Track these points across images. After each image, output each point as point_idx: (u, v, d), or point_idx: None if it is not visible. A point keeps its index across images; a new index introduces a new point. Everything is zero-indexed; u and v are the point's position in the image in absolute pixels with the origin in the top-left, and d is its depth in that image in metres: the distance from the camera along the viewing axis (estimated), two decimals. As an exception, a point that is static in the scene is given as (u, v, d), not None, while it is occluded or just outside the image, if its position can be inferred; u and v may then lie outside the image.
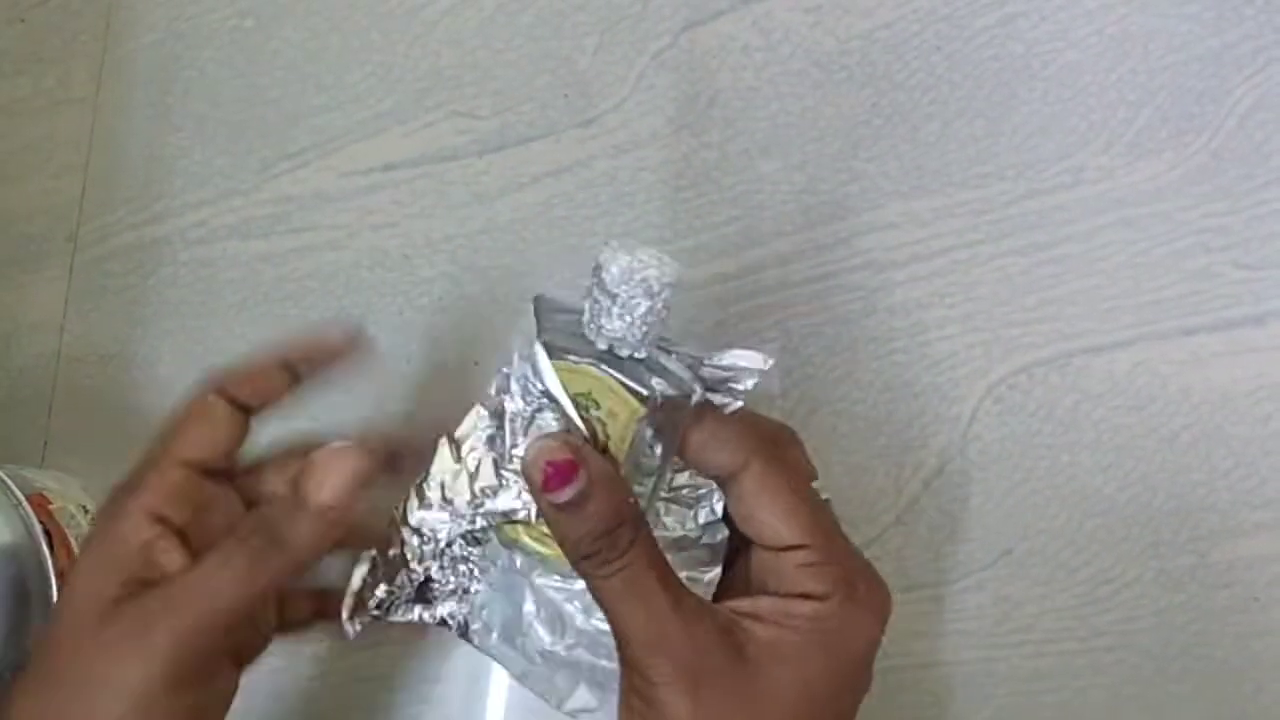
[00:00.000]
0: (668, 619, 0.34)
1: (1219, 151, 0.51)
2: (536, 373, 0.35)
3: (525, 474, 0.35)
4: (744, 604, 0.36)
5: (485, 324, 0.55)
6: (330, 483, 0.37)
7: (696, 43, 0.56)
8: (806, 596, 0.35)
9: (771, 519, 0.36)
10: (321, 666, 0.53)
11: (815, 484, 0.39)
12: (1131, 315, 0.50)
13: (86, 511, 0.53)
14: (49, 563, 0.48)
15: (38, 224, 0.60)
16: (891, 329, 0.52)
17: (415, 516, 0.39)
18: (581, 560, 0.34)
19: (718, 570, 0.38)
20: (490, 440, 0.38)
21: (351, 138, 0.58)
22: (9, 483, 0.49)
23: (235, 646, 0.40)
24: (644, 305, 0.34)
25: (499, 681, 0.53)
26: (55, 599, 0.48)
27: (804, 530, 0.36)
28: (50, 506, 0.51)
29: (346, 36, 0.59)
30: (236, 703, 0.40)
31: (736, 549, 0.39)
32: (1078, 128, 0.52)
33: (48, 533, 0.49)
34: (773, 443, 0.38)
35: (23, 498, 0.49)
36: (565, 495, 0.34)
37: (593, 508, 0.34)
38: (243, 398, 0.40)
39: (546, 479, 0.34)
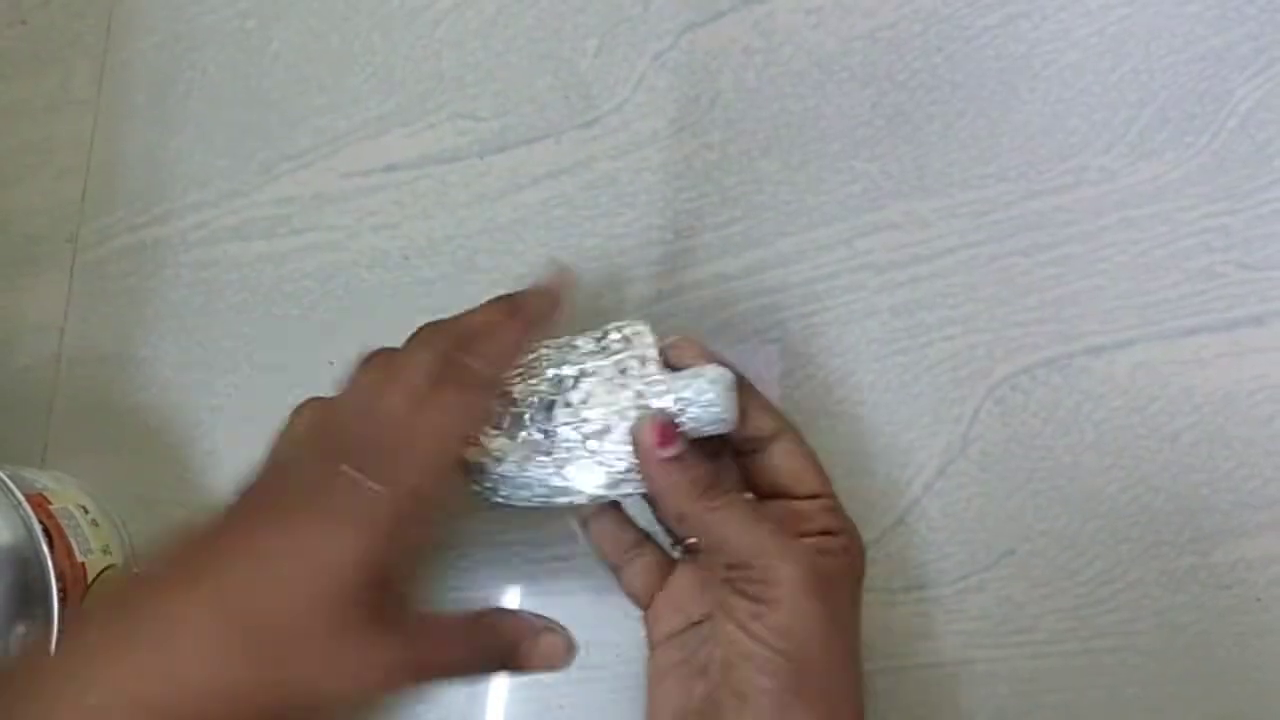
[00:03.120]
0: (785, 535, 0.42)
1: (1221, 152, 0.51)
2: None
3: (635, 437, 0.43)
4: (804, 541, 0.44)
5: (486, 325, 0.55)
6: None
7: (697, 44, 0.56)
8: (831, 533, 0.44)
9: (805, 474, 0.45)
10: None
11: None
12: (1133, 316, 0.50)
13: (86, 512, 0.53)
14: (49, 563, 0.48)
15: (39, 225, 0.60)
16: (893, 330, 0.52)
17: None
18: (700, 497, 0.42)
19: None
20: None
21: (352, 139, 0.58)
22: (9, 483, 0.49)
23: None
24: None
25: (499, 681, 0.52)
26: (55, 599, 0.48)
27: (824, 483, 0.45)
28: (50, 506, 0.51)
29: (347, 38, 0.59)
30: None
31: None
32: (1079, 128, 0.52)
33: (48, 533, 0.49)
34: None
35: (23, 498, 0.49)
36: (673, 450, 0.42)
37: (695, 460, 0.42)
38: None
39: (659, 438, 0.42)
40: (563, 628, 0.42)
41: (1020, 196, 0.52)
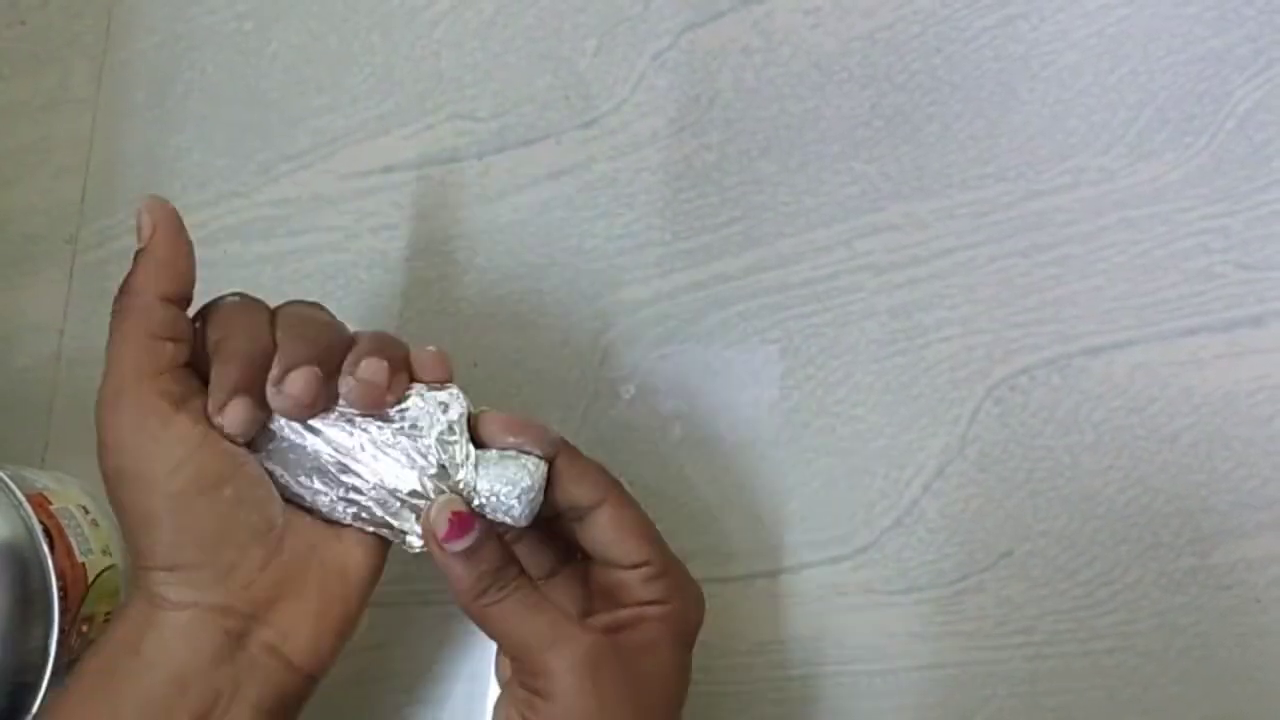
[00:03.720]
0: (564, 623, 0.41)
1: (1219, 152, 0.51)
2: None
3: (426, 526, 0.41)
4: (606, 617, 0.43)
5: (485, 326, 0.55)
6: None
7: (697, 44, 0.56)
8: (655, 603, 0.43)
9: (625, 543, 0.43)
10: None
11: None
12: (1132, 316, 0.50)
13: (87, 512, 0.53)
14: (49, 563, 0.48)
15: (38, 225, 0.60)
16: (891, 330, 0.52)
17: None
18: (478, 596, 0.41)
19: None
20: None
21: (351, 139, 0.58)
22: (9, 483, 0.49)
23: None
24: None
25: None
26: (55, 599, 0.48)
27: (647, 549, 0.43)
28: (50, 506, 0.51)
29: (346, 38, 0.59)
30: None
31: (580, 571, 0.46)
32: (1078, 129, 0.52)
33: (48, 533, 0.49)
34: (618, 483, 0.45)
35: (23, 498, 0.49)
36: (464, 544, 0.41)
37: (485, 552, 0.41)
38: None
39: (450, 530, 0.41)
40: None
41: (1019, 197, 0.52)
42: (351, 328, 0.44)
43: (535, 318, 0.54)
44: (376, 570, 0.44)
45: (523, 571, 0.42)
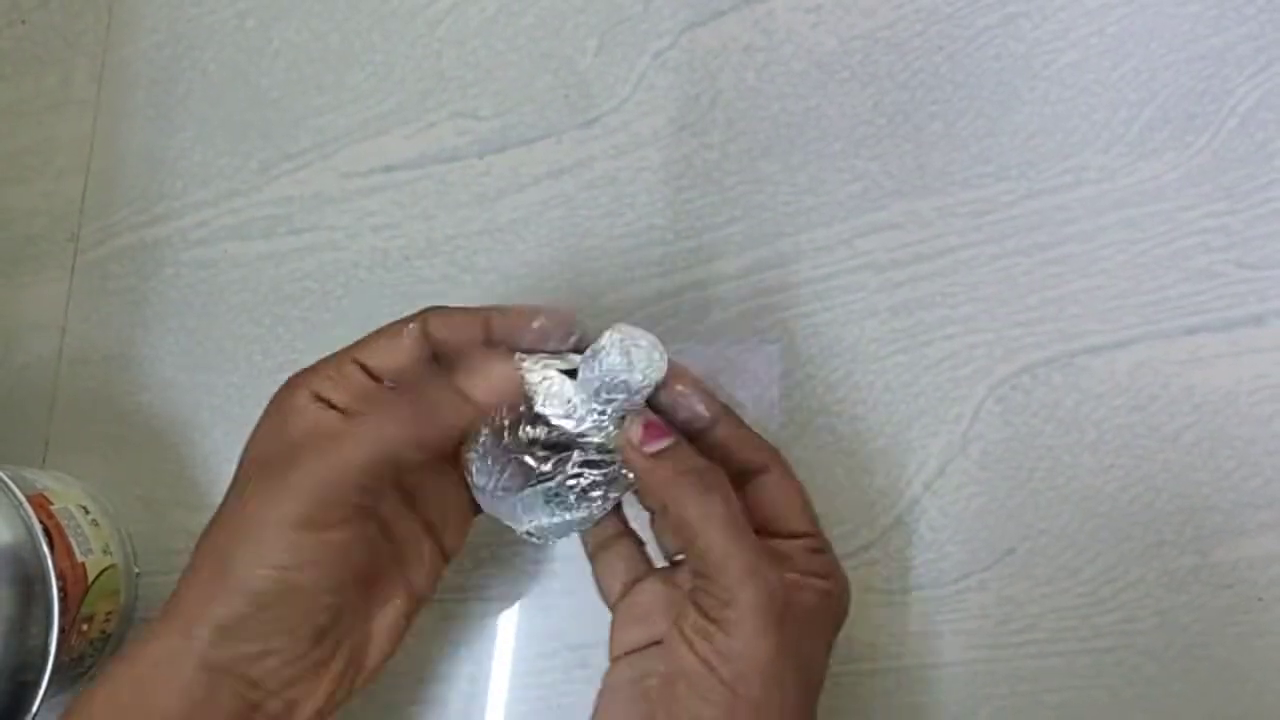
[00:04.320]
0: (761, 555, 0.40)
1: (1220, 151, 0.51)
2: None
3: (623, 436, 0.41)
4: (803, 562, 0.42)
5: (486, 324, 0.55)
6: (486, 387, 0.41)
7: (698, 43, 0.56)
8: (818, 575, 0.42)
9: (792, 512, 0.43)
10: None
11: None
12: (1133, 315, 0.50)
13: (87, 512, 0.53)
14: (49, 563, 0.48)
15: (39, 225, 0.60)
16: (893, 329, 0.52)
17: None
18: (687, 490, 0.40)
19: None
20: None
21: (352, 139, 0.58)
22: (9, 483, 0.49)
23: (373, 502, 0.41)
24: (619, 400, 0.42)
25: (499, 681, 0.53)
26: (55, 599, 0.48)
27: (810, 521, 0.44)
28: (50, 506, 0.51)
29: (348, 37, 0.59)
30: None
31: None
32: (1079, 127, 0.52)
33: (48, 533, 0.49)
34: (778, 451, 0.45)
35: (23, 498, 0.49)
36: (658, 445, 0.41)
37: (683, 451, 0.41)
38: (439, 339, 0.42)
39: (644, 434, 0.41)
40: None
41: (1020, 196, 0.52)
42: (352, 327, 0.44)
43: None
44: (389, 655, 0.44)
45: (730, 482, 0.41)
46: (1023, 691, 0.49)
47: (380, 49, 0.58)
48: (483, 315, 0.42)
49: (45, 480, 0.53)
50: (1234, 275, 0.50)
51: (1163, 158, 0.51)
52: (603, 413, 0.42)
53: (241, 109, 0.59)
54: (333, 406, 0.41)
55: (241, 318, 0.57)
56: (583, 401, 0.42)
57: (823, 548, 0.43)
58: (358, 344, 0.43)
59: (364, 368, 0.42)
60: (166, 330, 0.58)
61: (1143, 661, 0.49)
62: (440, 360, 0.43)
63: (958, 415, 0.51)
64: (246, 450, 0.42)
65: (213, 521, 0.41)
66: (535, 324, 0.42)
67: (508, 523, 0.44)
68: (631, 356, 0.41)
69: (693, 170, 0.55)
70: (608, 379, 0.41)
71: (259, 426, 0.42)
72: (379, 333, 0.43)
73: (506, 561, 0.53)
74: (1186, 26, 0.52)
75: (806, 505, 0.44)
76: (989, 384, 0.51)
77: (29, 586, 0.48)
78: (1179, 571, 0.49)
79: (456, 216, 0.56)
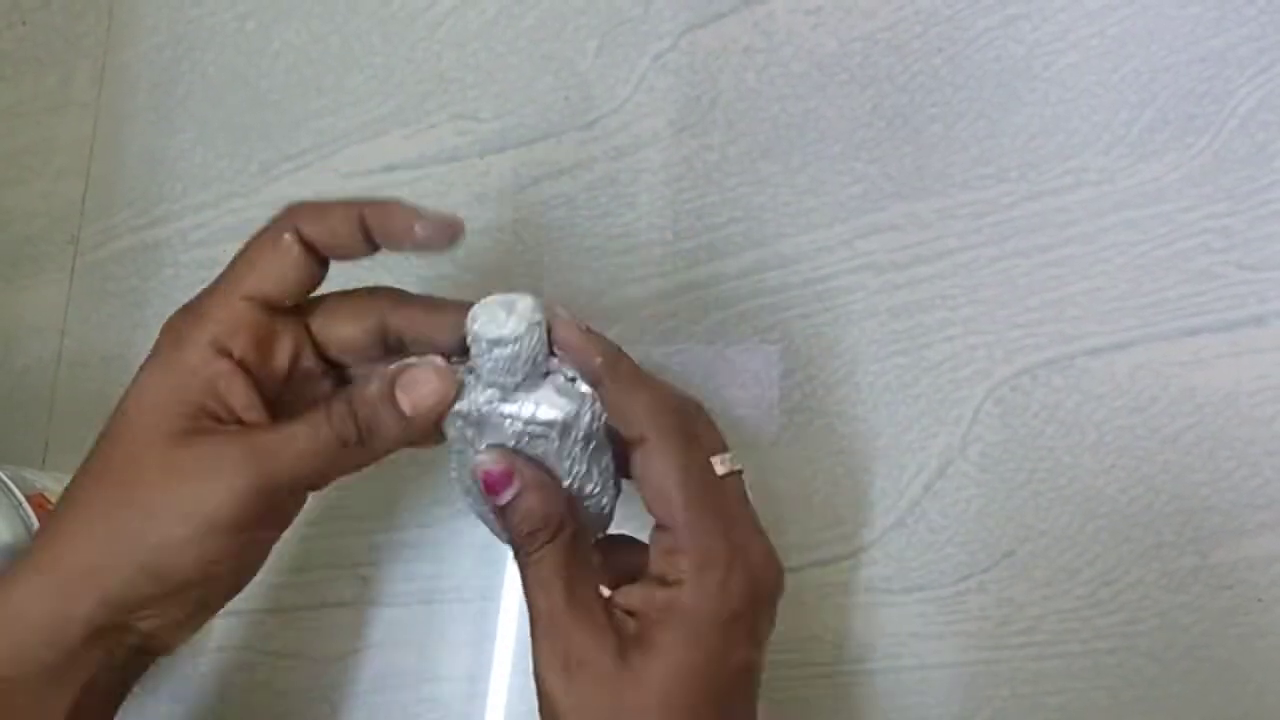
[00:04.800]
0: (560, 610, 0.38)
1: (1221, 152, 0.51)
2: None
3: (476, 477, 0.39)
4: (621, 596, 0.39)
5: (486, 325, 0.55)
6: (424, 400, 0.39)
7: (698, 45, 0.56)
8: (663, 582, 0.38)
9: (651, 490, 0.38)
10: (323, 666, 0.53)
11: (728, 455, 0.40)
12: (1134, 316, 0.50)
13: (86, 512, 0.53)
14: (48, 563, 0.48)
15: (39, 226, 0.60)
16: (893, 331, 0.52)
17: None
18: (515, 549, 0.39)
19: None
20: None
21: (353, 139, 0.58)
22: (9, 483, 0.49)
23: (285, 509, 0.41)
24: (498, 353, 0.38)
25: (499, 681, 0.52)
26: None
27: (672, 510, 0.38)
28: (50, 507, 0.51)
29: (348, 39, 0.59)
30: (243, 701, 0.40)
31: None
32: (1079, 129, 0.52)
33: (47, 533, 0.49)
34: (677, 414, 0.39)
35: (23, 498, 0.49)
36: (503, 499, 0.39)
37: (521, 509, 0.39)
38: (319, 242, 0.40)
39: (487, 485, 0.39)
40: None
41: (1020, 198, 0.52)
42: (445, 218, 0.41)
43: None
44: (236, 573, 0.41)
45: (566, 539, 0.39)
46: (1023, 693, 0.49)
47: (380, 51, 0.58)
48: (356, 209, 0.40)
49: (45, 480, 0.53)
50: (1234, 276, 0.50)
51: (1163, 159, 0.51)
52: (496, 384, 0.39)
53: (242, 110, 0.59)
54: (228, 355, 0.39)
55: (241, 319, 0.57)
56: (478, 380, 0.39)
57: (674, 544, 0.38)
58: (237, 270, 0.41)
59: (254, 300, 0.40)
60: (166, 331, 0.58)
61: (1143, 663, 0.49)
62: (319, 260, 0.41)
63: (957, 417, 0.51)
64: (136, 405, 0.39)
65: (93, 473, 0.38)
66: (419, 230, 0.40)
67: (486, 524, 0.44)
68: (496, 316, 0.38)
69: (693, 171, 0.55)
70: (483, 345, 0.38)
71: (150, 378, 0.39)
72: (256, 250, 0.40)
73: (506, 561, 0.53)
74: (1187, 28, 0.52)
75: (669, 488, 0.38)
76: (989, 385, 0.51)
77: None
78: (1179, 572, 0.49)
79: (457, 217, 0.56)
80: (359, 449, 0.39)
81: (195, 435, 0.38)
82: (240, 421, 0.39)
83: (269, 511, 0.38)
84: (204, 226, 0.58)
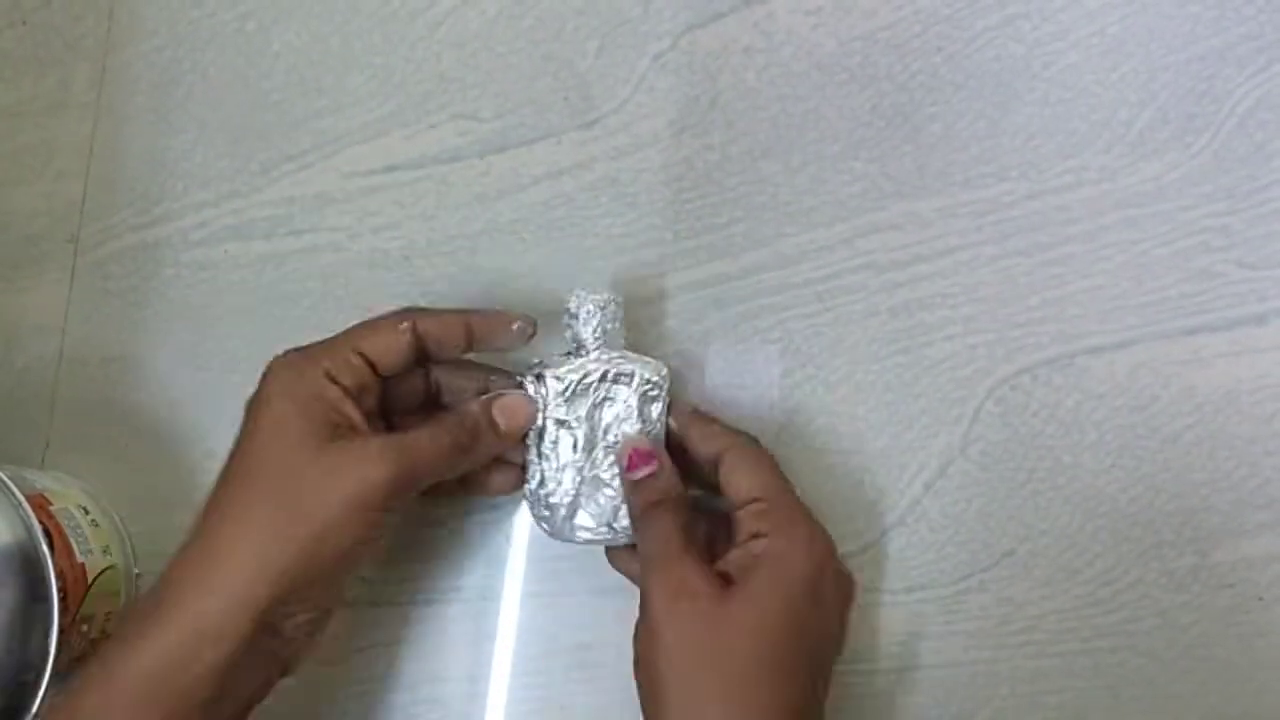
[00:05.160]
0: (676, 552, 0.45)
1: (1220, 151, 0.51)
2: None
3: (618, 455, 0.48)
4: (720, 563, 0.46)
5: (486, 325, 0.55)
6: (516, 423, 0.48)
7: (697, 45, 0.56)
8: (756, 535, 0.45)
9: (739, 481, 0.47)
10: (323, 667, 0.53)
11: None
12: (1134, 315, 0.50)
13: (86, 512, 0.53)
14: (49, 563, 0.48)
15: (39, 226, 0.60)
16: (893, 330, 0.52)
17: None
18: (637, 514, 0.47)
19: None
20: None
21: (353, 139, 0.58)
22: (9, 483, 0.49)
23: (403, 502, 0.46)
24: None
25: (499, 681, 0.52)
26: (55, 599, 0.48)
27: (760, 487, 0.46)
28: (50, 507, 0.51)
29: (348, 39, 0.59)
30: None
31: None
32: (1079, 128, 0.52)
33: (48, 533, 0.49)
34: (747, 434, 0.49)
35: (23, 498, 0.49)
36: (638, 474, 0.47)
37: (653, 485, 0.47)
38: (429, 337, 0.48)
39: (632, 462, 0.47)
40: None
41: (1021, 196, 0.52)
42: (528, 325, 0.49)
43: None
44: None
45: (679, 510, 0.47)
46: (1023, 692, 0.49)
47: (381, 51, 0.58)
48: (464, 317, 0.48)
49: (45, 480, 0.53)
50: (1234, 275, 0.50)
51: (1163, 158, 0.51)
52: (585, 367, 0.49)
53: (242, 111, 0.59)
54: (341, 385, 0.45)
55: (242, 318, 0.57)
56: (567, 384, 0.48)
57: (765, 507, 0.46)
58: (355, 333, 0.47)
59: (364, 357, 0.46)
60: (166, 331, 0.58)
61: (1143, 661, 0.49)
62: (422, 353, 0.48)
63: (958, 416, 0.51)
64: (271, 425, 0.45)
65: (242, 478, 0.45)
66: (515, 326, 0.49)
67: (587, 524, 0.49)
68: (581, 312, 0.49)
69: (693, 171, 0.55)
70: (573, 339, 0.49)
71: (278, 404, 0.45)
72: (375, 325, 0.47)
73: (506, 562, 0.53)
74: (1186, 27, 0.52)
75: (755, 472, 0.47)
76: (989, 384, 0.51)
77: (29, 587, 0.48)
78: (1179, 572, 0.49)
79: (457, 217, 0.56)
80: (465, 455, 0.47)
81: (339, 439, 0.44)
82: (367, 432, 0.46)
83: (400, 501, 0.45)
84: (204, 226, 0.58)
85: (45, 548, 0.48)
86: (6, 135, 0.62)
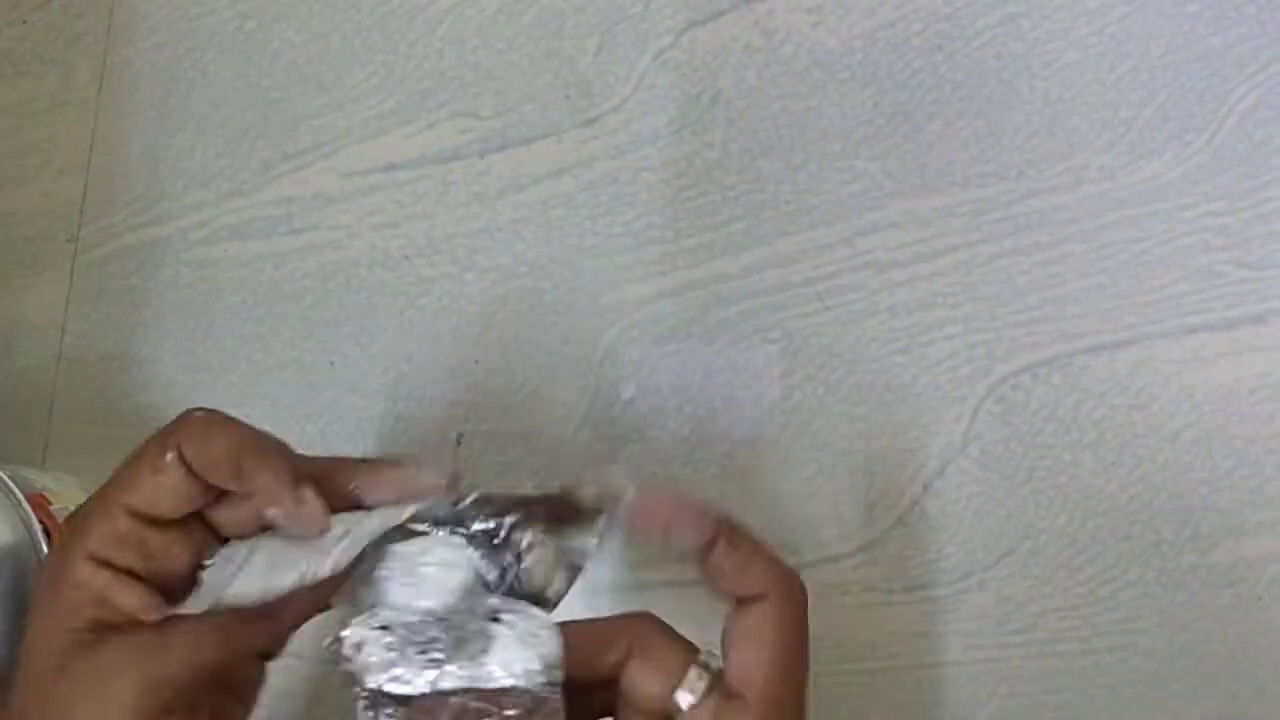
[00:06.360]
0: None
1: (1220, 150, 0.51)
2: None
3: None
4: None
5: (486, 324, 0.55)
6: (296, 611, 0.37)
7: (698, 43, 0.56)
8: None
9: (747, 650, 0.36)
10: (323, 667, 0.53)
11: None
12: (1133, 315, 0.50)
13: (87, 511, 0.53)
14: (49, 562, 0.48)
15: (39, 225, 0.60)
16: (893, 329, 0.52)
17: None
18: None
19: None
20: None
21: (353, 138, 0.58)
22: (9, 483, 0.49)
23: (231, 686, 0.38)
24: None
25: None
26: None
27: (763, 677, 0.35)
28: (50, 507, 0.51)
29: (348, 37, 0.59)
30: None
31: None
32: (1079, 127, 0.52)
33: (48, 533, 0.49)
34: (797, 578, 0.37)
35: (23, 498, 0.49)
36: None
37: None
38: (198, 468, 0.36)
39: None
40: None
41: (1020, 195, 0.52)
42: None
43: (536, 316, 0.54)
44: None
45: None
46: (1022, 691, 0.49)
47: (381, 49, 0.58)
48: (238, 445, 0.36)
49: (45, 480, 0.53)
50: (1234, 274, 0.50)
51: (1163, 157, 0.51)
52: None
53: (242, 109, 0.59)
54: (111, 567, 0.35)
55: (242, 317, 0.57)
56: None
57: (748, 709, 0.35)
58: (121, 479, 0.36)
59: (135, 514, 0.36)
60: (166, 330, 0.58)
61: (1142, 661, 0.49)
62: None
63: (958, 415, 0.51)
64: (33, 630, 0.36)
65: (3, 703, 0.36)
66: (288, 506, 0.36)
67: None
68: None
69: (693, 169, 0.55)
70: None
71: (42, 600, 0.36)
72: (139, 463, 0.36)
73: (506, 561, 0.53)
74: (1186, 26, 0.52)
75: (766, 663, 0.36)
76: (989, 384, 0.51)
77: (29, 587, 0.48)
78: (1178, 571, 0.49)
79: (457, 215, 0.56)
80: (268, 626, 0.37)
81: (86, 650, 0.35)
82: (139, 623, 0.36)
83: (182, 705, 0.35)
84: (204, 225, 0.58)
85: (45, 547, 0.49)
86: (6, 134, 0.62)
